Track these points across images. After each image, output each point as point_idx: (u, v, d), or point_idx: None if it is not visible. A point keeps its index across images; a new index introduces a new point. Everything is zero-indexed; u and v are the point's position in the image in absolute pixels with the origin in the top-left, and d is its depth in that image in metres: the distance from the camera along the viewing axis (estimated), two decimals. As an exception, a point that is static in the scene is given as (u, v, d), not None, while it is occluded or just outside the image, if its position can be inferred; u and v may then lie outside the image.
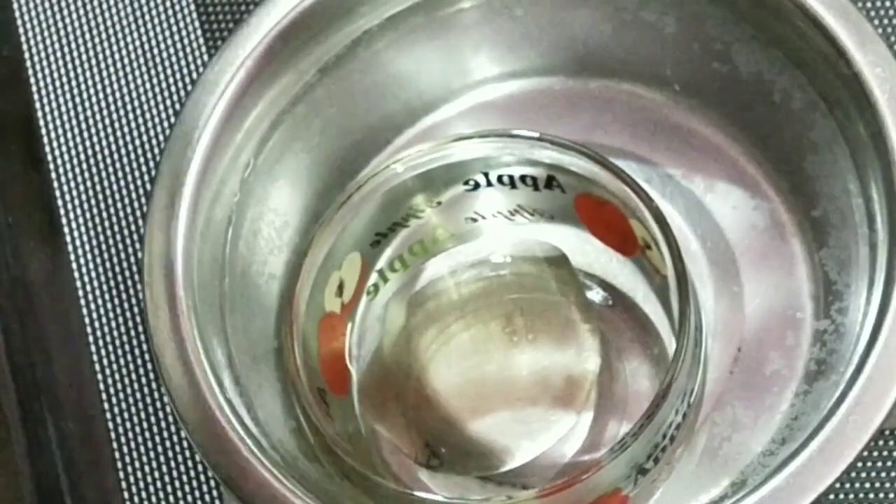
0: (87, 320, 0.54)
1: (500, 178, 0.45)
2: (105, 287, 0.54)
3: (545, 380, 0.45)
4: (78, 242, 0.54)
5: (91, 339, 0.53)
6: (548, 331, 0.46)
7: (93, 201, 0.55)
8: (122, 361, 0.53)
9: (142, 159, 0.55)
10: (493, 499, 0.39)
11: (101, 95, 0.56)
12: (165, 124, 0.55)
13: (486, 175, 0.45)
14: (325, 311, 0.44)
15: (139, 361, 0.53)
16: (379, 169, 0.43)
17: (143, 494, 0.52)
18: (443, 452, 0.45)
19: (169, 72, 0.55)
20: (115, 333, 0.53)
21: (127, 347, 0.53)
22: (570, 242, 0.46)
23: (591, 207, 0.44)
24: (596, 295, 0.47)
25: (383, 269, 0.47)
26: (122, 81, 0.56)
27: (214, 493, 0.51)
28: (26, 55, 0.57)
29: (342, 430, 0.44)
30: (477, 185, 0.45)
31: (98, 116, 0.55)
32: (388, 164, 0.43)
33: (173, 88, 0.55)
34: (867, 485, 0.48)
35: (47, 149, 0.56)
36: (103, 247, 0.54)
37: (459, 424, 0.45)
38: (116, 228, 0.54)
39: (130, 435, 0.52)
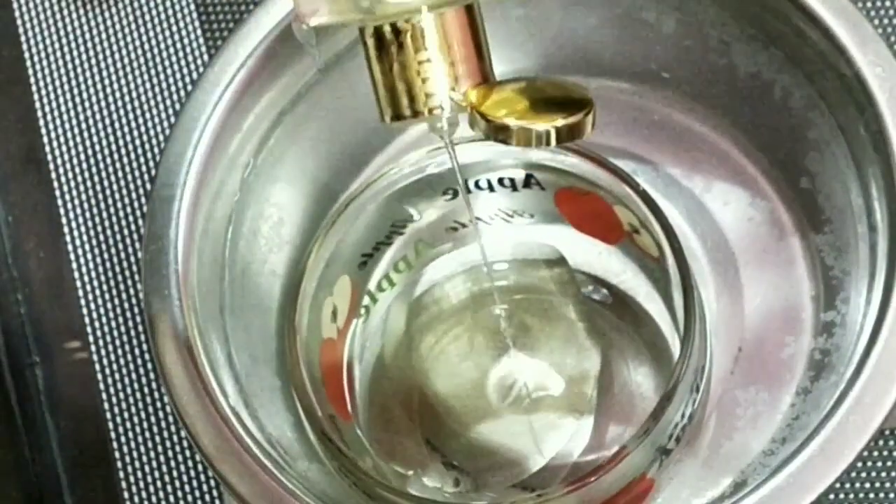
0: (87, 320, 0.54)
1: (477, 184, 0.45)
2: (105, 287, 0.54)
3: (548, 381, 0.45)
4: (78, 242, 0.54)
5: (91, 338, 0.53)
6: (548, 332, 0.46)
7: (93, 201, 0.55)
8: (122, 362, 0.53)
9: (142, 159, 0.55)
10: (523, 497, 0.39)
11: (101, 95, 0.56)
12: (165, 124, 0.55)
13: (463, 182, 0.45)
14: (324, 338, 0.44)
15: (139, 361, 0.53)
16: (356, 192, 0.43)
17: (143, 494, 0.52)
18: (467, 470, 0.45)
19: (169, 72, 0.55)
20: (115, 333, 0.53)
21: (127, 347, 0.53)
22: (556, 240, 0.46)
23: (572, 201, 0.44)
24: (594, 293, 0.47)
25: (372, 290, 0.47)
26: (122, 81, 0.56)
27: (214, 493, 0.51)
28: (26, 55, 0.57)
29: (357, 453, 0.44)
30: (455, 194, 0.45)
31: (98, 116, 0.55)
32: (367, 186, 0.43)
33: (173, 88, 0.55)
34: (867, 485, 0.48)
35: (47, 149, 0.56)
36: (103, 247, 0.54)
37: (470, 435, 0.45)
38: (116, 228, 0.54)
39: (130, 435, 0.52)
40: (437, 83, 0.36)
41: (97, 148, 0.55)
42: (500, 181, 0.45)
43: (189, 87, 0.55)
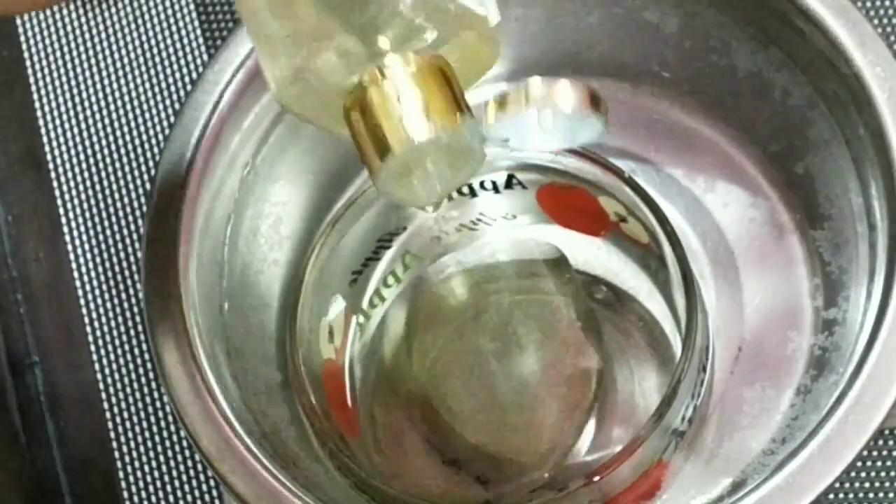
0: (86, 320, 0.54)
1: (459, 190, 0.45)
2: (105, 287, 0.54)
3: (552, 383, 0.45)
4: (78, 242, 0.54)
5: (91, 338, 0.53)
6: (549, 332, 0.46)
7: (93, 201, 0.55)
8: (121, 361, 0.53)
9: (142, 159, 0.55)
10: (543, 492, 0.39)
11: (101, 95, 0.56)
12: (165, 124, 0.55)
13: None
14: (324, 359, 0.44)
15: (139, 361, 0.53)
16: (340, 212, 0.43)
17: (143, 494, 0.52)
18: (478, 476, 0.45)
19: (169, 72, 0.55)
20: (115, 333, 0.53)
21: (127, 347, 0.53)
22: (545, 239, 0.46)
23: (555, 197, 0.44)
24: (594, 292, 0.47)
25: (365, 307, 0.47)
26: (122, 81, 0.56)
27: (214, 492, 0.51)
28: (26, 55, 0.57)
29: (366, 467, 0.44)
30: (439, 202, 0.45)
31: (98, 116, 0.55)
32: (350, 205, 0.43)
33: (173, 88, 0.55)
34: (867, 484, 0.48)
35: (47, 149, 0.56)
36: (103, 247, 0.54)
37: (475, 438, 0.45)
38: (116, 228, 0.54)
39: (130, 435, 0.52)
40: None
41: (97, 148, 0.55)
42: (482, 184, 0.45)
43: (189, 87, 0.55)
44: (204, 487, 0.51)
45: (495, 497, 0.45)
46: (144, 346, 0.53)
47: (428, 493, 0.45)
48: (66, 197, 0.55)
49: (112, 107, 0.55)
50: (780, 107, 0.46)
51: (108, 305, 0.54)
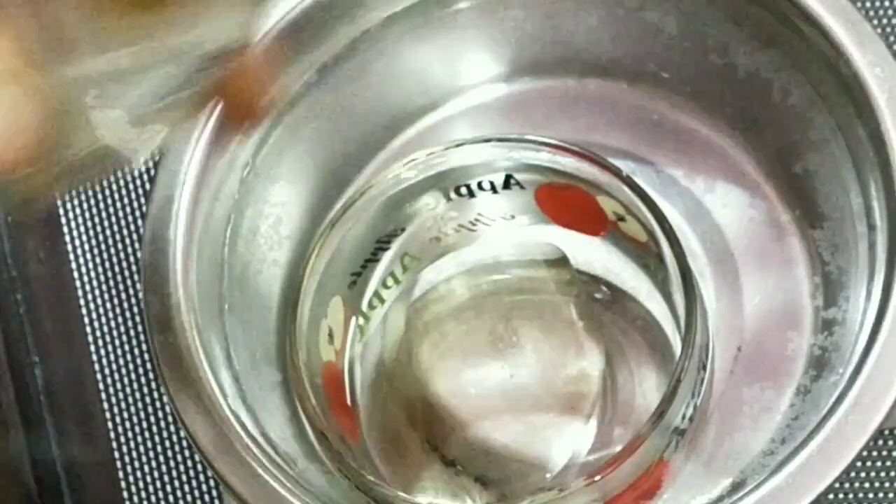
0: (86, 320, 0.54)
1: (458, 191, 0.45)
2: (105, 287, 0.54)
3: (553, 384, 0.45)
4: (78, 242, 0.54)
5: (91, 339, 0.53)
6: (549, 332, 0.46)
7: (92, 201, 0.55)
8: (121, 361, 0.53)
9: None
10: (545, 492, 0.39)
11: (100, 95, 0.56)
12: (165, 124, 0.55)
13: (443, 191, 0.45)
14: (324, 361, 0.44)
15: (139, 361, 0.53)
16: (338, 214, 0.43)
17: (143, 494, 0.52)
18: (480, 478, 0.45)
19: (169, 72, 0.55)
20: (115, 333, 0.53)
21: (127, 347, 0.53)
22: (543, 238, 0.46)
23: (553, 197, 0.44)
24: (595, 292, 0.47)
25: (364, 309, 0.47)
26: (122, 81, 0.56)
27: (214, 493, 0.51)
28: (26, 55, 0.57)
29: (366, 468, 0.44)
30: (436, 203, 0.45)
31: (98, 116, 0.55)
32: (348, 206, 0.43)
33: (173, 88, 0.55)
34: (867, 484, 0.48)
35: (47, 149, 0.56)
36: (103, 247, 0.54)
37: (476, 439, 0.45)
38: (116, 228, 0.54)
39: (130, 435, 0.52)
40: None
41: (97, 148, 0.55)
42: (480, 185, 0.44)
43: (189, 88, 0.55)
44: (204, 487, 0.51)
45: (495, 497, 0.45)
46: (144, 346, 0.53)
47: (428, 493, 0.45)
48: (66, 197, 0.55)
49: (112, 107, 0.55)
50: (779, 107, 0.46)
51: (108, 305, 0.54)
